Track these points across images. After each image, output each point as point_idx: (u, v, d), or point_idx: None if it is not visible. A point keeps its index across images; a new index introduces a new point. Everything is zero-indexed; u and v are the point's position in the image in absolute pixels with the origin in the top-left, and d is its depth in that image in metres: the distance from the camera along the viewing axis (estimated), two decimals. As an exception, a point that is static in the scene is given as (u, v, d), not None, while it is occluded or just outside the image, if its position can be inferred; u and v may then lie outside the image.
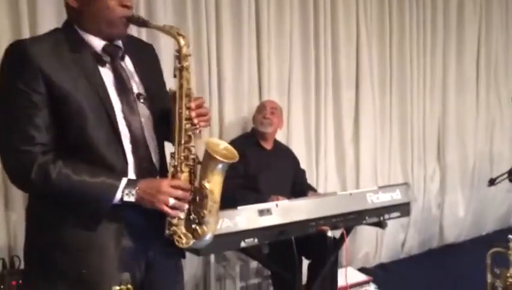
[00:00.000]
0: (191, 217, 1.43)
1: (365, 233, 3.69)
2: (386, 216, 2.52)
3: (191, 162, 1.44)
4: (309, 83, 3.52)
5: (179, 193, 1.39)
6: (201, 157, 1.45)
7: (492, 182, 2.75)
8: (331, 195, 2.51)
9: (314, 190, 3.01)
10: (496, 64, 4.57)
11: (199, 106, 1.44)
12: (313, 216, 2.26)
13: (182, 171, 1.42)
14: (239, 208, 2.12)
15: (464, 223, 4.43)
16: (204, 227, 1.42)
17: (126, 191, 1.35)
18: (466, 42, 4.35)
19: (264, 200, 2.53)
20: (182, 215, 1.42)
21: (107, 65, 1.42)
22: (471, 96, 4.43)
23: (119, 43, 1.47)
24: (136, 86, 1.48)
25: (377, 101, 3.86)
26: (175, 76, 1.42)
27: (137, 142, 1.44)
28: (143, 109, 1.47)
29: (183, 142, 1.42)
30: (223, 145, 1.49)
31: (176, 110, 1.42)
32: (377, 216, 2.48)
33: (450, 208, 4.35)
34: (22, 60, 1.30)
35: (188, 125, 1.42)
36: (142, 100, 1.46)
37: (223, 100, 3.17)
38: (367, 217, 2.45)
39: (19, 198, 2.49)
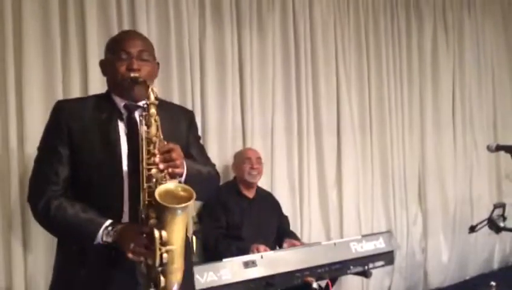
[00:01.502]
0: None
1: (350, 281, 3.65)
2: (371, 265, 2.53)
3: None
4: (292, 129, 3.58)
5: (137, 238, 1.40)
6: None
7: (472, 229, 2.76)
8: (316, 245, 2.51)
9: (296, 238, 3.00)
10: (470, 107, 4.68)
11: (165, 152, 1.45)
12: (298, 267, 2.26)
13: (150, 217, 1.41)
14: (224, 260, 2.11)
15: (448, 267, 4.43)
16: (162, 277, 1.38)
17: (106, 232, 1.46)
18: (442, 88, 4.47)
19: (246, 249, 2.51)
20: (150, 261, 1.38)
21: (124, 119, 1.60)
22: (448, 138, 4.52)
23: (143, 104, 1.60)
24: None
25: (358, 146, 3.93)
26: (140, 123, 1.51)
27: (135, 187, 1.50)
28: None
29: (145, 187, 1.44)
30: (180, 186, 1.44)
31: (139, 156, 1.47)
32: (362, 265, 2.49)
33: (434, 253, 4.36)
34: (57, 119, 1.59)
35: (153, 171, 1.44)
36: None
37: (208, 147, 3.18)
38: (351, 267, 2.46)
39: (18, 243, 2.46)
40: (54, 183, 1.54)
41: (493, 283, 2.53)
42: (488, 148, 2.88)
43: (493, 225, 2.79)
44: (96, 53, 2.70)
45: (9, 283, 2.45)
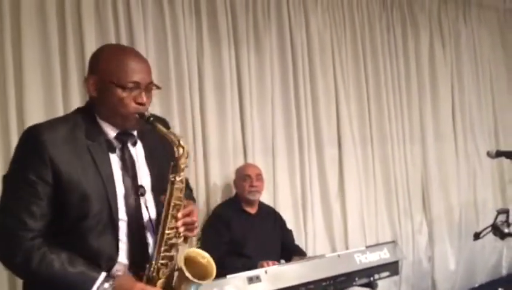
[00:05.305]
0: None
1: (357, 292, 3.64)
2: (376, 276, 2.52)
3: (169, 269, 1.45)
4: (292, 143, 3.60)
5: None
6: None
7: (477, 236, 2.75)
8: (320, 258, 2.51)
9: (302, 253, 2.99)
10: (470, 115, 4.69)
11: (186, 216, 1.47)
12: (302, 281, 2.25)
13: (158, 278, 1.43)
14: (228, 276, 2.11)
15: (455, 275, 4.40)
16: None
17: (102, 288, 1.36)
18: (440, 97, 4.48)
19: (252, 266, 2.51)
20: None
21: (117, 151, 1.48)
22: (450, 147, 4.52)
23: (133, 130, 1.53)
24: (142, 175, 1.52)
25: (359, 158, 3.94)
26: (168, 184, 1.45)
27: (134, 230, 1.46)
28: (144, 200, 1.50)
29: (162, 249, 1.43)
30: (207, 258, 1.50)
31: (161, 218, 1.45)
32: (367, 277, 2.48)
33: (441, 261, 4.33)
34: (35, 148, 1.35)
35: (171, 234, 1.44)
36: (141, 192, 1.49)
37: (209, 164, 3.20)
38: (356, 279, 2.45)
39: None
40: (30, 229, 1.34)
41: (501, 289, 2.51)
42: (489, 154, 2.89)
43: (497, 231, 2.78)
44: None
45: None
